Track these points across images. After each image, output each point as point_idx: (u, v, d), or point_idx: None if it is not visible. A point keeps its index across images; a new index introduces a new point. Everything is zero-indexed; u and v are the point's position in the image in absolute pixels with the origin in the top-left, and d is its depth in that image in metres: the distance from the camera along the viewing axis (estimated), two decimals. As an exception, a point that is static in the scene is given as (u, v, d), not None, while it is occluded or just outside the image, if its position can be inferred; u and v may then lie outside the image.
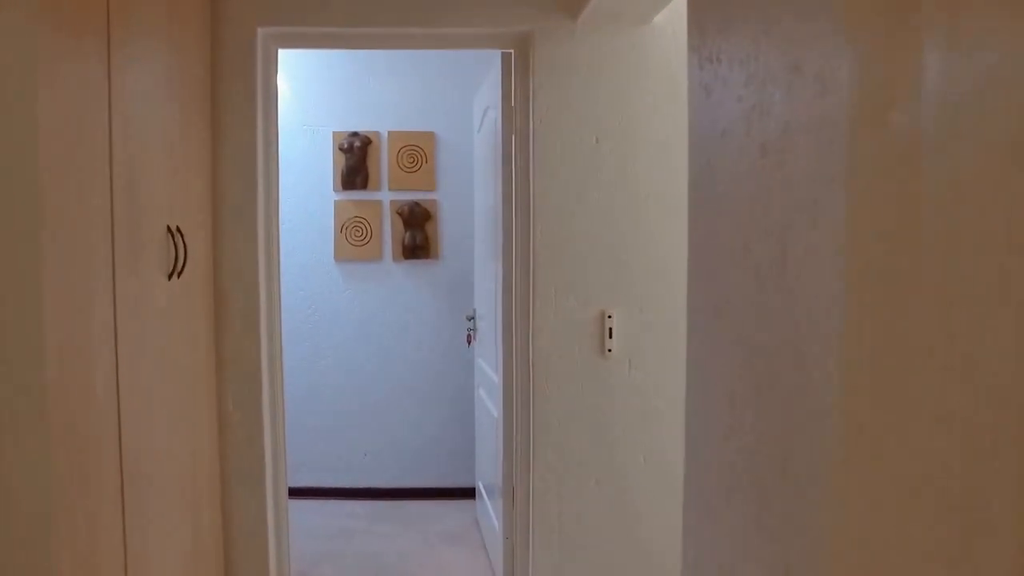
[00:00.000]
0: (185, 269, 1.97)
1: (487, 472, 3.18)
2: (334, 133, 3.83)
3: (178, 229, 1.93)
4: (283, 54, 2.50)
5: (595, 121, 2.44)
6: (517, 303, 2.54)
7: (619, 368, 2.49)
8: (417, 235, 3.85)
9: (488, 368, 3.04)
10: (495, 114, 2.76)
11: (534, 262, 2.46)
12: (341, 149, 3.82)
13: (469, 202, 3.72)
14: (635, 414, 2.50)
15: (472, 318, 3.36)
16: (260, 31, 2.32)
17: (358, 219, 3.85)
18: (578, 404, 2.48)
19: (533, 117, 2.43)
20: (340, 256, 3.87)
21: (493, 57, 2.72)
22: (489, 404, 3.04)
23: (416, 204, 3.85)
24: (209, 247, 2.27)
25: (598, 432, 2.49)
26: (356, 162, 3.82)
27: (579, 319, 2.47)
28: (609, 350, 2.47)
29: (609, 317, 2.47)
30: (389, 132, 3.85)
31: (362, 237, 3.85)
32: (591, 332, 2.48)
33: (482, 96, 3.13)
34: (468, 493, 3.74)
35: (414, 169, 3.87)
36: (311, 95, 3.83)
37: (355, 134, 3.82)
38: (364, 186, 3.84)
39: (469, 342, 3.43)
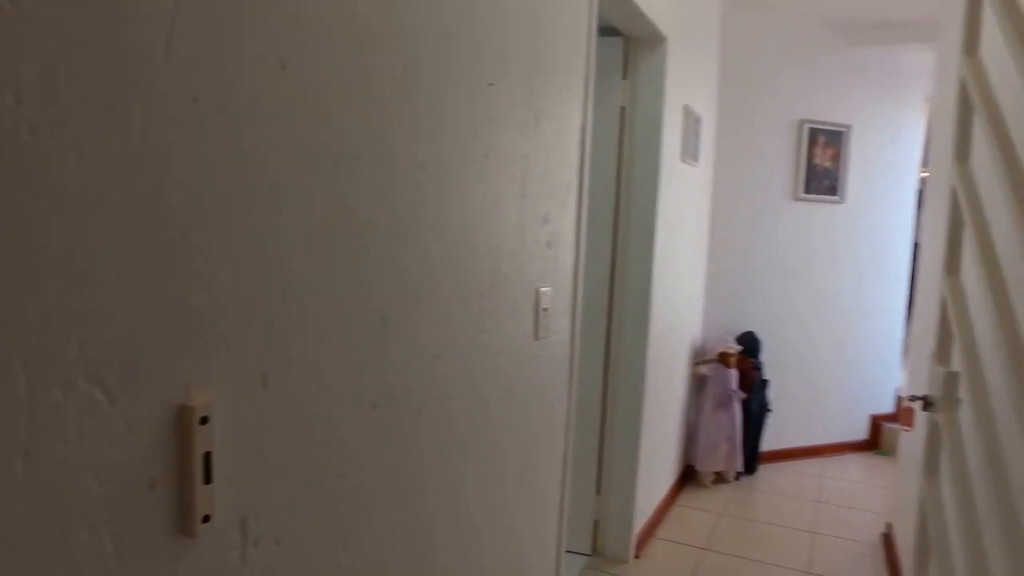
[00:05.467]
0: None
1: None
2: None
3: None
4: None
5: None
6: None
7: (224, 556, 0.88)
8: None
9: None
10: None
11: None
12: None
13: None
14: None
15: None
16: None
17: None
18: None
19: None
20: None
21: None
22: None
23: None
24: None
25: None
26: None
27: (113, 435, 0.75)
28: (206, 518, 0.84)
29: (203, 421, 0.83)
30: None
31: None
32: (152, 471, 0.79)
33: None
34: None
35: None
36: None
37: None
38: None
39: None
